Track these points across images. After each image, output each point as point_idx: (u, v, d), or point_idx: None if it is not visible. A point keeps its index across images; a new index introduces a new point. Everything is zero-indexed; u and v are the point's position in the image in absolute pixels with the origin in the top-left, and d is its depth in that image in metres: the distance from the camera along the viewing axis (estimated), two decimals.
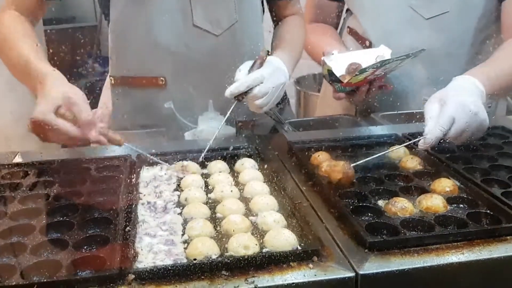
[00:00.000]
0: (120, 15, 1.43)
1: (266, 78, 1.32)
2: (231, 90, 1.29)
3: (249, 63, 1.36)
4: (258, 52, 1.40)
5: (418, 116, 1.45)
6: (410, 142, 1.30)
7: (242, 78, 1.31)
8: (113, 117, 1.59)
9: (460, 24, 1.67)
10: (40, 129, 1.09)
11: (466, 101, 1.23)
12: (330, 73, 1.51)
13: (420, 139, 1.21)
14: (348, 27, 1.83)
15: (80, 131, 1.10)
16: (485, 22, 1.67)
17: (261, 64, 1.35)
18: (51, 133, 1.09)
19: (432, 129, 1.20)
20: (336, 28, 1.94)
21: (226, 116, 1.34)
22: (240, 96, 1.30)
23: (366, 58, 1.53)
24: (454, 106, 1.21)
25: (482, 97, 1.30)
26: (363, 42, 1.76)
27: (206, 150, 1.28)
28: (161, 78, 1.50)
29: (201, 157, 1.27)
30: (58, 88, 1.13)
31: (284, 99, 1.57)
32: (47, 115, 1.08)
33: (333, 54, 1.57)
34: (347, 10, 1.88)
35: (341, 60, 1.54)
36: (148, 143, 1.41)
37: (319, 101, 2.12)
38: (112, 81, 1.56)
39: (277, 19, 1.69)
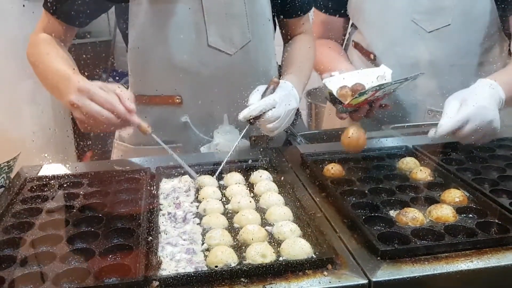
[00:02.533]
0: (139, 35, 1.49)
1: (278, 103, 1.35)
2: (244, 114, 1.33)
3: (262, 88, 1.40)
4: (271, 69, 1.44)
5: (427, 130, 1.49)
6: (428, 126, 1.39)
7: (256, 103, 1.35)
8: (132, 133, 1.64)
9: (462, 36, 1.72)
10: (82, 106, 1.19)
11: (485, 107, 1.32)
12: (331, 95, 1.55)
13: (433, 129, 1.32)
14: (353, 41, 1.88)
15: (123, 109, 1.21)
16: (487, 33, 1.72)
17: (273, 90, 1.39)
18: (94, 109, 1.19)
19: (447, 123, 1.31)
20: (342, 43, 1.99)
21: (240, 137, 1.39)
22: (253, 120, 1.35)
23: (367, 78, 1.57)
24: (473, 108, 1.31)
25: (500, 105, 1.36)
26: (368, 55, 1.81)
27: (222, 166, 1.33)
28: (177, 97, 1.54)
29: (217, 172, 1.32)
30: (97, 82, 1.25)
31: (296, 113, 1.61)
32: (93, 85, 1.18)
33: (332, 75, 1.61)
34: (352, 25, 1.93)
35: (341, 82, 1.58)
36: (166, 157, 1.46)
37: (325, 115, 2.16)
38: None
39: (287, 37, 1.73)
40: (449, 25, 1.69)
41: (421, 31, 1.71)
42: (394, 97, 1.72)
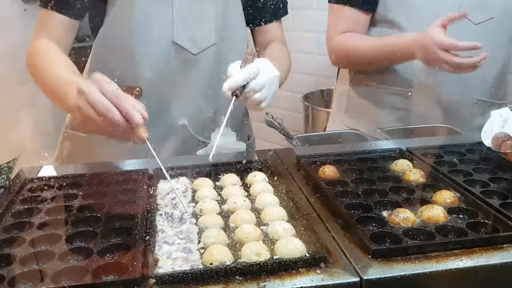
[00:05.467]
0: (108, 23, 1.49)
1: (261, 70, 1.29)
2: (229, 84, 1.26)
3: (238, 62, 1.33)
4: None
5: (420, 132, 1.52)
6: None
7: (236, 72, 1.28)
8: None
9: (505, 29, 1.80)
10: (89, 102, 1.10)
11: None
12: None
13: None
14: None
15: (133, 110, 1.10)
16: None
17: (252, 60, 1.32)
18: (101, 108, 1.09)
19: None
20: None
21: (227, 116, 1.27)
22: (238, 91, 1.27)
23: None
24: None
25: None
26: None
27: (214, 147, 1.26)
28: (137, 88, 1.52)
29: (210, 155, 1.25)
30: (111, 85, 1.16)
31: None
32: (94, 88, 1.10)
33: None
34: (376, 22, 1.89)
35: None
36: (164, 159, 1.49)
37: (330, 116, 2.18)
38: None
39: (259, 46, 1.69)
40: (492, 18, 1.74)
41: (469, 24, 1.75)
42: (441, 89, 1.78)
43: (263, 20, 1.66)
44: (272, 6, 1.64)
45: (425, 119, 1.86)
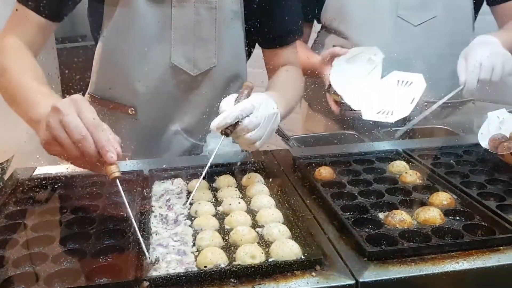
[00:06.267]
0: (107, 38, 1.45)
1: (256, 107, 1.17)
2: (218, 122, 1.15)
3: (234, 96, 1.23)
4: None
5: (417, 134, 1.52)
6: (451, 94, 1.54)
7: (230, 108, 1.17)
8: None
9: (448, 27, 1.79)
10: (64, 124, 0.99)
11: (487, 46, 1.49)
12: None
13: (458, 90, 1.50)
14: (334, 45, 1.89)
15: (108, 145, 0.99)
16: (472, 21, 1.79)
17: (248, 95, 1.22)
18: (76, 135, 0.98)
19: (466, 78, 1.47)
20: None
21: (214, 154, 1.19)
22: (228, 130, 1.15)
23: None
24: (476, 52, 1.49)
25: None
26: None
27: (206, 167, 1.20)
28: (132, 108, 1.49)
29: (202, 174, 1.21)
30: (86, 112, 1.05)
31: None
32: (84, 103, 1.00)
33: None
34: (324, 29, 1.95)
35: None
36: (159, 160, 1.48)
37: (303, 120, 2.19)
38: (89, 99, 1.56)
39: (270, 68, 1.63)
40: (435, 17, 1.74)
41: (408, 26, 1.75)
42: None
43: (273, 44, 1.60)
44: (283, 31, 1.57)
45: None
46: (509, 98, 1.99)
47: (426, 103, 1.82)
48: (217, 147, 1.18)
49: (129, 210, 1.00)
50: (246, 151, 1.47)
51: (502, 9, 1.82)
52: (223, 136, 1.17)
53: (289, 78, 1.58)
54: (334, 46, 1.89)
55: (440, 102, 1.51)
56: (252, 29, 1.54)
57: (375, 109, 1.59)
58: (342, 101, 1.67)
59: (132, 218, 0.99)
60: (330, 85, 1.66)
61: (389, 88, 1.65)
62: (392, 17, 1.76)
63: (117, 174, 1.00)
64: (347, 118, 1.82)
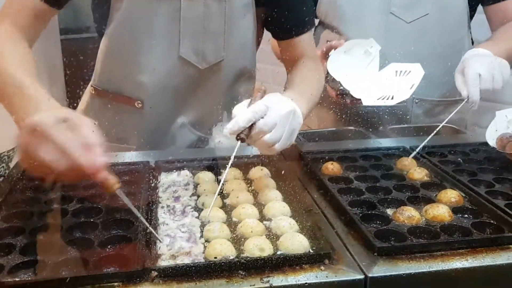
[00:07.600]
0: (114, 30, 1.43)
1: (270, 107, 1.10)
2: (231, 127, 1.08)
3: (247, 101, 1.16)
4: (249, 89, 1.35)
5: (425, 129, 1.51)
6: (457, 109, 1.52)
7: (241, 112, 1.10)
8: None
9: (441, 24, 1.78)
10: (32, 144, 0.91)
11: (481, 57, 1.49)
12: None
13: (462, 104, 1.49)
14: (327, 41, 1.87)
15: (88, 157, 0.93)
16: (462, 21, 1.79)
17: (261, 98, 1.15)
18: (46, 150, 0.90)
19: (468, 91, 1.46)
20: None
21: (231, 161, 1.09)
22: (243, 134, 1.08)
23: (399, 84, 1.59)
24: (473, 65, 1.47)
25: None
26: None
27: (228, 167, 1.10)
28: (138, 101, 1.48)
29: (222, 178, 1.13)
30: (61, 109, 1.00)
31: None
32: (50, 122, 0.90)
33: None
34: (319, 24, 1.94)
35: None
36: (166, 152, 1.47)
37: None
38: (93, 92, 1.55)
39: (286, 59, 1.59)
40: (427, 14, 1.73)
41: (401, 23, 1.75)
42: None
43: (289, 34, 1.56)
44: (297, 20, 1.53)
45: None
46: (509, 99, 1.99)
47: (417, 101, 1.84)
48: (234, 154, 1.10)
49: (138, 214, 1.00)
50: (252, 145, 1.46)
51: (494, 9, 1.81)
52: (239, 142, 1.09)
53: (307, 73, 1.53)
54: (328, 41, 1.88)
55: (446, 120, 1.50)
56: (269, 19, 1.53)
57: (375, 96, 1.58)
58: (341, 87, 1.66)
59: (139, 215, 0.99)
60: (327, 75, 1.65)
61: (388, 78, 1.64)
62: (384, 13, 1.75)
63: (116, 186, 0.97)
64: (352, 114, 1.81)
